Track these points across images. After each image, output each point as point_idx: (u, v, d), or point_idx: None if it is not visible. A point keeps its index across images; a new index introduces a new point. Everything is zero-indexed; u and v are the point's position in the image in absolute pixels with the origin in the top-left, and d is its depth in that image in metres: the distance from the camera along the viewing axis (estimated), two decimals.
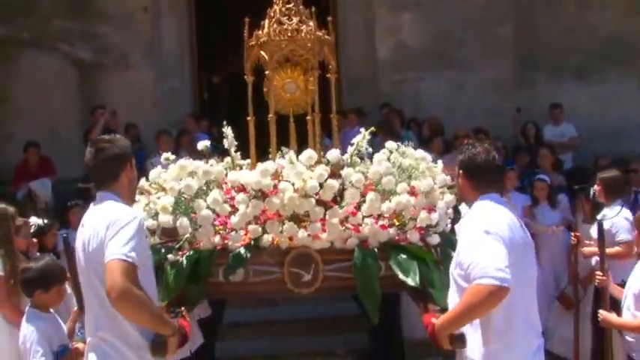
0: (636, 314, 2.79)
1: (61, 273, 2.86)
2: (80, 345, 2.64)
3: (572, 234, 4.14)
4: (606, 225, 3.81)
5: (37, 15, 7.46)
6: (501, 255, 2.14)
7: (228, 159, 3.12)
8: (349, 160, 3.12)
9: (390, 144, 3.12)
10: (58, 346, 2.67)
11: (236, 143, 3.22)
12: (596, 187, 4.09)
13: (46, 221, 3.48)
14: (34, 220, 3.46)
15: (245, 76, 3.19)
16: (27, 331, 2.72)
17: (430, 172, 3.00)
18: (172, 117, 7.21)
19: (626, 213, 3.87)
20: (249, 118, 3.19)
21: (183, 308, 2.50)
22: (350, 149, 3.18)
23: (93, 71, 7.52)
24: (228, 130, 3.17)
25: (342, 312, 4.59)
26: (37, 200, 6.26)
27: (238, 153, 3.21)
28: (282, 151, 3.06)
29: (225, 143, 3.17)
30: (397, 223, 2.85)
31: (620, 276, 3.65)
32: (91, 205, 2.27)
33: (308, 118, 3.24)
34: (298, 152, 2.96)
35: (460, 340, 2.25)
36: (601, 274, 3.16)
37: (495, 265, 2.11)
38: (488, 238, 2.17)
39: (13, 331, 2.90)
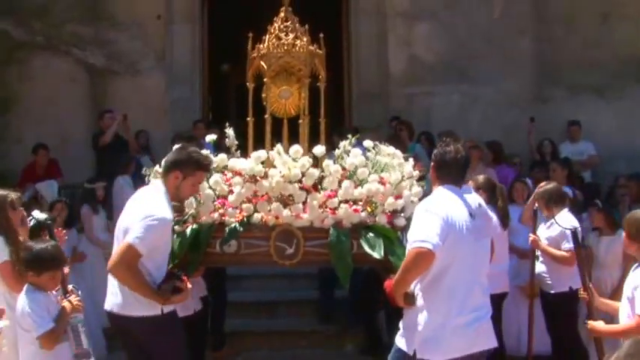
0: (630, 316, 3.50)
1: (57, 260, 3.41)
2: (67, 304, 3.47)
3: (531, 235, 5.18)
4: (554, 232, 5.01)
5: (50, 19, 8.76)
6: (432, 226, 3.22)
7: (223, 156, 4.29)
8: (336, 158, 4.32)
9: (367, 142, 4.34)
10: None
11: (236, 142, 4.44)
12: (535, 204, 5.23)
13: (46, 215, 4.05)
14: (37, 214, 4.07)
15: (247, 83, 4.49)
16: (24, 301, 3.33)
17: (400, 167, 4.17)
18: (182, 124, 8.34)
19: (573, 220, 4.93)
20: (249, 119, 4.43)
21: (183, 272, 3.67)
22: (337, 151, 4.36)
23: (104, 76, 8.80)
24: (230, 131, 4.39)
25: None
26: (43, 202, 7.16)
27: (238, 151, 4.43)
28: (275, 145, 4.29)
29: (227, 142, 4.40)
30: (369, 209, 4.01)
31: (567, 283, 4.82)
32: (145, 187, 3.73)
33: (300, 121, 4.45)
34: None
35: (411, 298, 3.33)
36: (584, 291, 3.83)
37: (424, 233, 3.20)
38: (426, 215, 3.28)
39: None
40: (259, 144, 4.39)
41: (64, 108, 8.65)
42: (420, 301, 3.31)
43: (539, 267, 5.25)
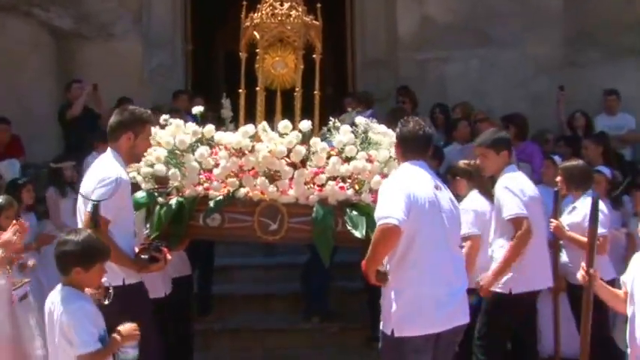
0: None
1: (104, 249, 3.81)
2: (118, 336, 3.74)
3: (552, 221, 5.85)
4: (578, 217, 5.85)
5: None
6: (395, 201, 4.24)
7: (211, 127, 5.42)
8: (327, 133, 5.46)
9: (359, 119, 5.45)
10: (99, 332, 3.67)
11: (232, 114, 5.52)
12: (558, 178, 6.13)
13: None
14: None
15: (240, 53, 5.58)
16: (66, 310, 3.56)
17: (391, 145, 5.17)
18: (162, 96, 9.28)
19: (601, 205, 5.34)
20: (240, 91, 5.51)
21: (164, 243, 4.73)
22: (326, 127, 5.51)
23: (71, 41, 9.67)
24: (226, 102, 5.49)
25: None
26: (2, 183, 7.96)
27: (232, 123, 5.52)
28: (268, 121, 5.40)
29: (223, 113, 5.47)
30: (357, 188, 5.10)
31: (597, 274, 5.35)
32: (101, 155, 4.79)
33: (295, 94, 5.54)
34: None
35: (382, 275, 4.36)
36: (584, 271, 4.33)
37: (388, 209, 4.23)
38: (389, 190, 4.32)
39: None
40: (251, 118, 5.52)
41: (25, 77, 9.49)
42: (391, 278, 4.35)
43: (565, 257, 5.92)
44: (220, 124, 5.83)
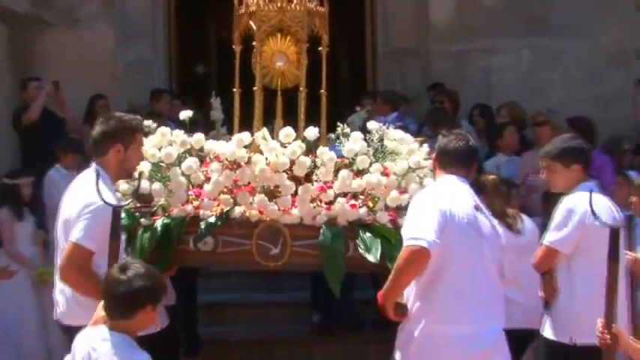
0: None
1: (163, 287, 4.42)
2: None
3: (627, 254, 5.65)
4: None
5: None
6: (429, 220, 4.96)
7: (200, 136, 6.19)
8: (336, 139, 6.26)
9: (373, 124, 6.25)
10: None
11: (222, 116, 6.36)
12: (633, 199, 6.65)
13: None
14: None
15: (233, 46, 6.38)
16: None
17: (411, 154, 6.01)
18: (140, 95, 10.05)
19: None
20: (235, 90, 6.27)
21: None
22: (332, 134, 6.32)
23: (28, 28, 10.39)
24: (216, 102, 6.33)
25: None
26: None
27: (224, 127, 6.32)
28: (268, 125, 6.14)
29: (212, 115, 6.30)
30: (371, 205, 5.84)
31: None
32: (83, 172, 5.54)
33: (299, 93, 6.32)
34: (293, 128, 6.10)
35: (402, 309, 5.03)
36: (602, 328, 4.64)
37: (419, 228, 4.93)
38: (422, 206, 5.06)
39: None
40: (247, 121, 6.25)
41: None
42: (414, 308, 5.01)
43: None
44: (211, 129, 6.70)
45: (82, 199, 5.18)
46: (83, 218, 5.10)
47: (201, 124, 6.94)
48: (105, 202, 4.85)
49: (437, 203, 4.97)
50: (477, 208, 5.14)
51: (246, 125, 6.17)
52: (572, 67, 10.32)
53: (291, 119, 6.25)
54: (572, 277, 5.73)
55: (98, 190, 4.80)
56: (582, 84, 10.23)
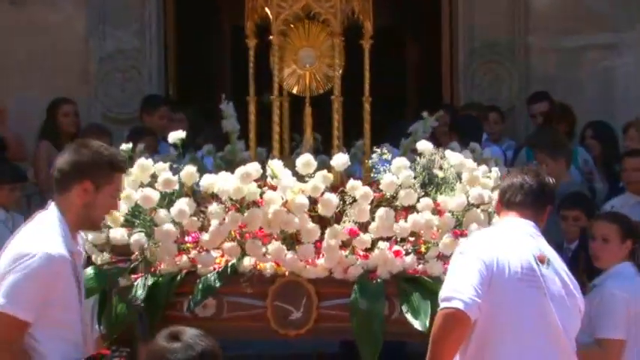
0: None
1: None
2: None
3: None
4: None
5: None
6: (469, 274, 5.69)
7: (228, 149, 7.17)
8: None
9: (424, 144, 7.15)
10: None
11: (238, 127, 7.31)
12: None
13: None
14: None
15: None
16: None
17: (473, 183, 6.85)
18: (121, 102, 11.06)
19: None
20: (249, 98, 7.16)
21: (128, 350, 6.07)
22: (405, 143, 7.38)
23: None
24: (229, 109, 7.23)
25: None
26: None
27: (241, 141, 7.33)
28: (293, 140, 7.13)
29: (225, 125, 7.26)
30: (423, 249, 6.70)
31: None
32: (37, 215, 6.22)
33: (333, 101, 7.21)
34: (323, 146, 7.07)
35: None
36: None
37: (454, 286, 5.67)
38: (459, 260, 5.80)
39: None
40: (265, 139, 7.18)
41: None
42: None
43: None
44: (221, 142, 7.69)
45: (15, 250, 5.50)
46: (11, 277, 5.39)
47: (211, 136, 7.97)
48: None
49: (481, 252, 5.69)
50: (540, 259, 5.81)
51: (266, 142, 7.09)
52: None
53: (327, 135, 7.14)
54: None
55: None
56: None
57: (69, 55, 11.51)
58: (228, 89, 12.30)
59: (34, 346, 5.43)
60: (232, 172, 6.93)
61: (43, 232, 5.55)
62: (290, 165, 6.91)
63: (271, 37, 7.05)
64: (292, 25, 7.10)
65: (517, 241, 5.82)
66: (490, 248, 5.70)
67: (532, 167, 6.37)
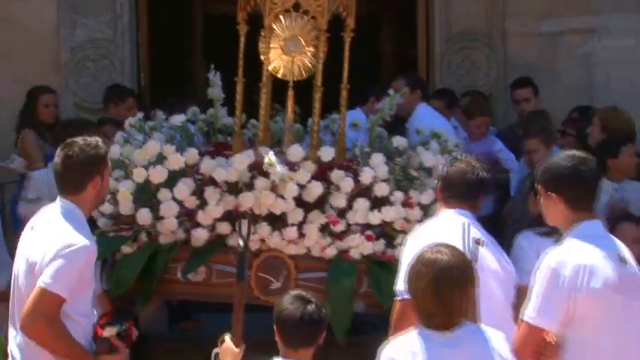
0: None
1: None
2: None
3: None
4: None
5: None
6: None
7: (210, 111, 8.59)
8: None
9: (399, 140, 8.96)
10: None
11: (223, 96, 8.92)
12: None
13: None
14: None
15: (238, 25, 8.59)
16: None
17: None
18: (92, 92, 12.45)
19: None
20: (237, 79, 8.71)
21: (129, 324, 7.66)
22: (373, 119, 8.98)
23: None
24: (216, 78, 8.86)
25: None
26: None
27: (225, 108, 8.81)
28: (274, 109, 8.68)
29: (210, 93, 8.88)
30: (392, 234, 8.39)
31: None
32: (48, 209, 7.77)
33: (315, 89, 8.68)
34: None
35: None
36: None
37: (400, 277, 6.79)
38: (408, 250, 7.29)
39: None
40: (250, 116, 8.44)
41: None
42: None
43: None
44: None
45: (57, 240, 7.10)
46: (57, 262, 7.05)
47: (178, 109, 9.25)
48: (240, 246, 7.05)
49: (418, 241, 7.02)
50: (477, 242, 7.29)
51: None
52: None
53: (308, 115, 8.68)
54: None
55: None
56: None
57: (39, 44, 13.14)
58: (200, 77, 13.59)
59: (65, 318, 7.14)
60: (213, 134, 9.34)
61: (77, 226, 7.28)
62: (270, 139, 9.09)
63: (262, 31, 8.89)
64: (280, 16, 8.81)
65: (457, 231, 7.46)
66: (432, 237, 7.07)
67: (470, 159, 7.80)
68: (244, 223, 7.55)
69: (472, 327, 6.52)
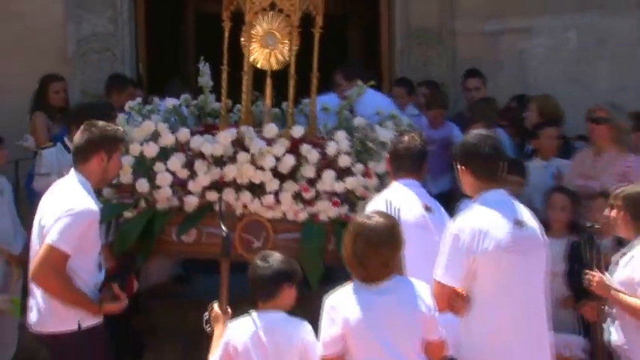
0: None
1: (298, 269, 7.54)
2: None
3: (594, 274, 9.01)
4: (635, 271, 8.97)
5: None
6: None
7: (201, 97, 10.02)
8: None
9: (359, 120, 10.54)
10: None
11: (211, 83, 10.30)
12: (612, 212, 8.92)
13: None
14: None
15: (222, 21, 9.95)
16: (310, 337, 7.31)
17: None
18: (97, 82, 13.38)
19: None
20: (223, 67, 10.10)
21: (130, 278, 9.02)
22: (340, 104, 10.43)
23: None
24: (205, 68, 10.25)
25: None
26: None
27: (213, 94, 10.16)
28: (257, 105, 10.17)
29: (200, 81, 10.29)
30: (354, 199, 9.75)
31: None
32: (62, 178, 9.07)
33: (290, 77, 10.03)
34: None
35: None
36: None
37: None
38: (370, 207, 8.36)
39: None
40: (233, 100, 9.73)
41: None
42: None
43: (615, 334, 8.90)
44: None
45: (62, 204, 8.00)
46: (61, 222, 7.97)
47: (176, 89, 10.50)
48: (224, 230, 7.98)
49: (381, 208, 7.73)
50: (427, 209, 8.50)
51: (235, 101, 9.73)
52: (625, 51, 14.00)
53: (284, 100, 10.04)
54: None
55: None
56: (637, 70, 13.54)
57: (46, 40, 14.52)
58: (191, 67, 14.52)
59: (71, 272, 8.18)
60: (204, 117, 10.63)
61: (82, 192, 8.28)
62: (253, 120, 10.46)
63: (243, 27, 10.14)
64: (260, 15, 10.06)
65: (410, 199, 8.70)
66: (393, 208, 8.01)
67: (413, 134, 9.08)
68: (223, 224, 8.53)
69: (400, 279, 7.42)
